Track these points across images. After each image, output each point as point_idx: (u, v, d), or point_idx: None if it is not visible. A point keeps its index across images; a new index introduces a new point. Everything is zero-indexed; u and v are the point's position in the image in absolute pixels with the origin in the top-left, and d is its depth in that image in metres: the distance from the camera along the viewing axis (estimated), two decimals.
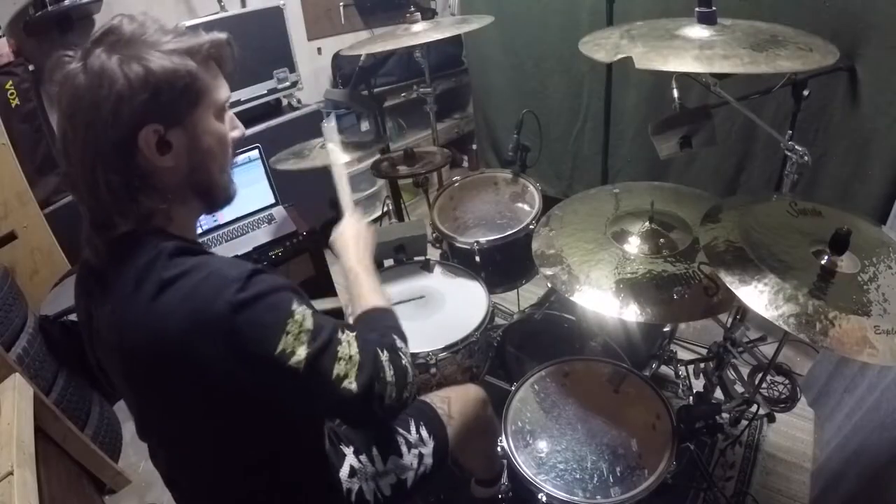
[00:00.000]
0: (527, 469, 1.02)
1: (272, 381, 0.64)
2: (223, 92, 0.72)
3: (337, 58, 2.83)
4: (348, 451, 0.96)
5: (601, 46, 1.00)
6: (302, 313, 0.65)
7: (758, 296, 0.78)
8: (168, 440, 0.77)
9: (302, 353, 0.63)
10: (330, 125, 1.54)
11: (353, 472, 0.93)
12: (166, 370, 0.64)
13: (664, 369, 1.64)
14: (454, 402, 1.10)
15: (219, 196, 0.75)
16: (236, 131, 0.76)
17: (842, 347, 0.73)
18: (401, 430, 1.01)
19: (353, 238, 0.98)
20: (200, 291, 0.62)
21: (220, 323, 0.60)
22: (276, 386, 0.64)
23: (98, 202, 0.65)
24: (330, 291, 1.96)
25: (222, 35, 0.71)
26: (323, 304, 1.55)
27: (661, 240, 1.16)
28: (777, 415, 1.27)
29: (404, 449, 0.99)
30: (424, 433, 1.02)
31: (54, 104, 0.66)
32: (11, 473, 1.11)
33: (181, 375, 0.64)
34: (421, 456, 1.00)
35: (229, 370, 0.62)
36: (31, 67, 1.86)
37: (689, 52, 0.89)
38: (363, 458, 0.96)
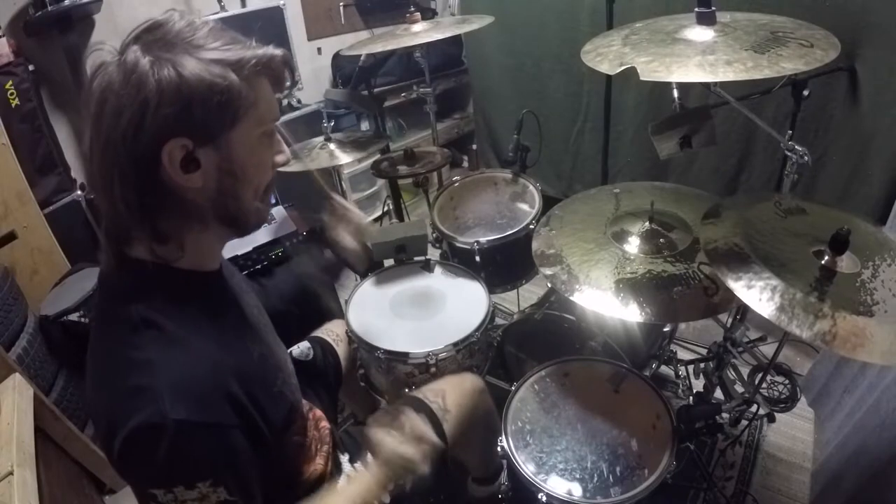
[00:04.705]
0: (527, 469, 1.02)
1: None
2: (270, 112, 0.65)
3: (337, 58, 2.83)
4: (344, 458, 0.94)
5: (604, 56, 1.00)
6: (201, 494, 0.56)
7: (759, 296, 0.78)
8: None
9: None
10: None
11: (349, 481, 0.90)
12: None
13: (664, 369, 1.64)
14: (449, 394, 1.06)
15: (246, 223, 0.69)
16: (280, 156, 0.69)
17: (843, 347, 0.72)
18: None
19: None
20: (130, 401, 0.57)
21: (121, 434, 0.56)
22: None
23: (115, 214, 0.60)
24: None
25: (277, 51, 0.63)
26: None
27: (661, 240, 1.16)
28: (777, 415, 1.27)
29: None
30: None
31: (85, 97, 0.59)
32: (11, 473, 1.11)
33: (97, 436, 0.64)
34: None
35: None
36: (31, 67, 1.86)
37: (692, 59, 0.88)
38: (358, 465, 0.92)
